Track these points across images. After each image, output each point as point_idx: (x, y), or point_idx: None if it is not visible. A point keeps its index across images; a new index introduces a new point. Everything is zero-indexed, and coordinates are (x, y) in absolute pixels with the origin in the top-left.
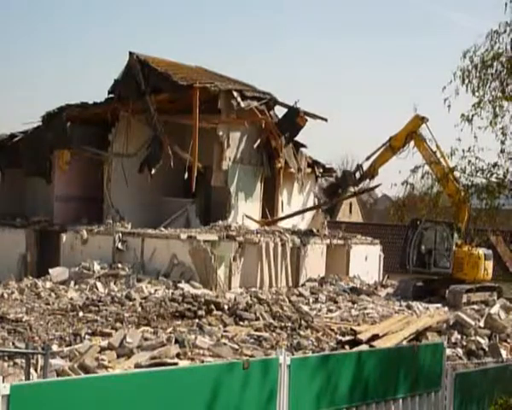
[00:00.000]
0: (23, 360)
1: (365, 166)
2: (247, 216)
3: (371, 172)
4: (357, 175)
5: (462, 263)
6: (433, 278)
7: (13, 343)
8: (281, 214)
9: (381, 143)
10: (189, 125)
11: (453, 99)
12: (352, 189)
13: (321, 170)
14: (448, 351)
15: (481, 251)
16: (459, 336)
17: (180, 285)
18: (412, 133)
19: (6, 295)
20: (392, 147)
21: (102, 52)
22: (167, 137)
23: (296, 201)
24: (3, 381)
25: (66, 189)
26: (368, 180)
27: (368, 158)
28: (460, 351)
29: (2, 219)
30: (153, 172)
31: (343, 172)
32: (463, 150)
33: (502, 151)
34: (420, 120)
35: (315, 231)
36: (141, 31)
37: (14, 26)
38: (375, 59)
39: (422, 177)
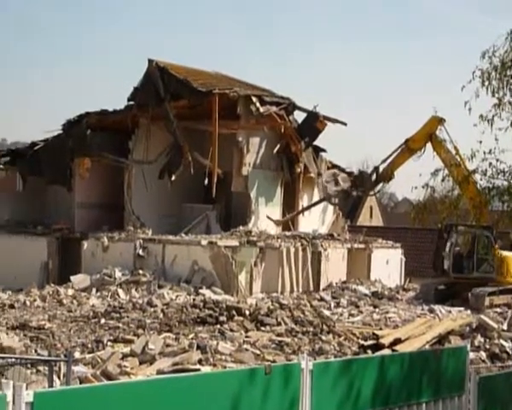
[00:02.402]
0: (46, 368)
1: (381, 169)
2: (268, 217)
3: (388, 175)
4: (373, 177)
5: (506, 267)
6: (455, 282)
7: (35, 351)
8: (301, 219)
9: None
10: (208, 132)
11: (473, 100)
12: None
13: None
14: (471, 354)
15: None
16: (482, 340)
17: (201, 291)
18: (430, 135)
19: (28, 303)
20: (410, 149)
21: (122, 60)
22: (187, 143)
23: (317, 205)
24: (27, 388)
25: (87, 196)
26: (384, 183)
27: (384, 161)
28: (483, 354)
29: (23, 227)
30: (173, 178)
31: (360, 172)
32: (484, 152)
33: None
34: (438, 121)
35: (336, 235)
36: (159, 37)
37: (35, 34)
38: (393, 60)
39: (443, 180)
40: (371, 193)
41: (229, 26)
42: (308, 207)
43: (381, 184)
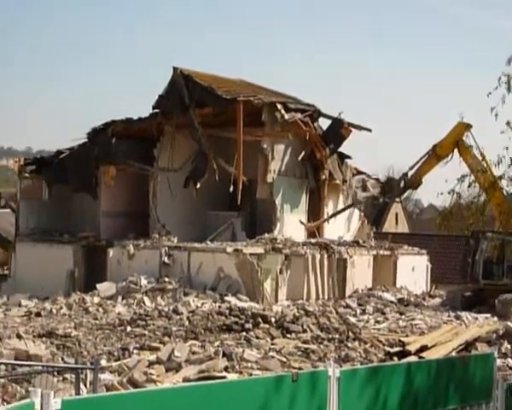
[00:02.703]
0: (73, 375)
1: (409, 175)
2: (300, 222)
3: (416, 181)
4: (402, 184)
5: None
6: (481, 288)
7: (62, 359)
8: (327, 226)
9: (425, 152)
10: (233, 139)
11: (499, 107)
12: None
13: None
14: (498, 361)
15: None
16: (509, 346)
17: (227, 298)
18: (457, 141)
19: (54, 311)
20: (438, 155)
21: (147, 68)
22: (212, 150)
23: (345, 211)
24: (54, 396)
25: (113, 204)
26: (412, 189)
27: (412, 167)
28: (510, 361)
29: (49, 235)
30: (198, 186)
31: (388, 179)
32: (511, 159)
33: None
34: (464, 127)
35: (361, 242)
36: (184, 45)
37: (60, 41)
38: (417, 68)
39: (469, 185)
40: (399, 200)
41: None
42: (337, 213)
43: (409, 191)
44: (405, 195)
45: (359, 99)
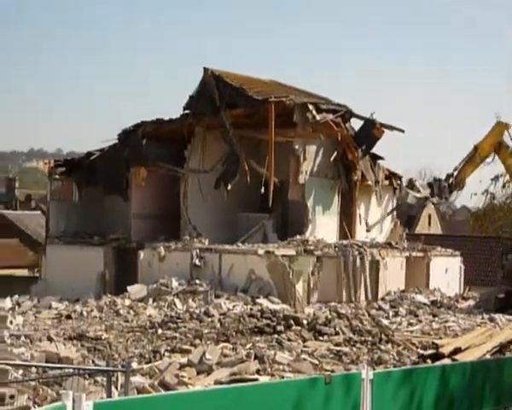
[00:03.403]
0: (104, 378)
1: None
2: (365, 222)
3: (460, 183)
4: (446, 185)
5: None
6: None
7: (93, 361)
8: (359, 228)
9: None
10: (264, 140)
11: None
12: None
13: (399, 182)
14: None
15: None
16: None
17: (258, 301)
18: (498, 141)
19: (85, 313)
20: (480, 156)
21: (177, 68)
22: (243, 152)
23: (374, 214)
24: (86, 399)
25: (143, 206)
26: (457, 191)
27: (456, 169)
28: None
29: (80, 237)
30: (229, 187)
31: (435, 179)
32: None
33: None
34: (503, 126)
35: (394, 243)
36: (214, 46)
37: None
38: (450, 70)
39: (503, 186)
40: (447, 202)
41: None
42: (390, 213)
43: (455, 193)
44: (452, 197)
45: (391, 101)
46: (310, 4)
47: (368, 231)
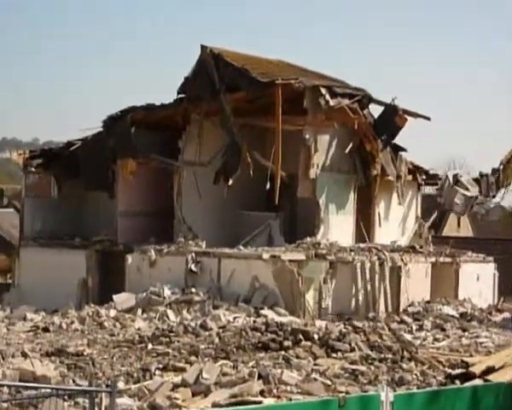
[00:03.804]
0: (86, 400)
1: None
2: (425, 222)
3: (509, 179)
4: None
5: None
6: None
7: (73, 381)
8: (378, 229)
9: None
10: (270, 128)
11: None
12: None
13: (424, 177)
14: None
15: None
16: None
17: (263, 312)
18: None
19: (65, 326)
20: None
21: (170, 46)
22: (246, 142)
23: (396, 213)
24: None
25: (132, 203)
26: (505, 189)
27: (502, 163)
28: None
29: (59, 239)
30: (230, 182)
31: (481, 175)
32: None
33: None
34: None
35: (418, 247)
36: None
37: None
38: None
39: None
40: (490, 200)
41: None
42: (434, 220)
43: (502, 190)
44: (500, 195)
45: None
46: None
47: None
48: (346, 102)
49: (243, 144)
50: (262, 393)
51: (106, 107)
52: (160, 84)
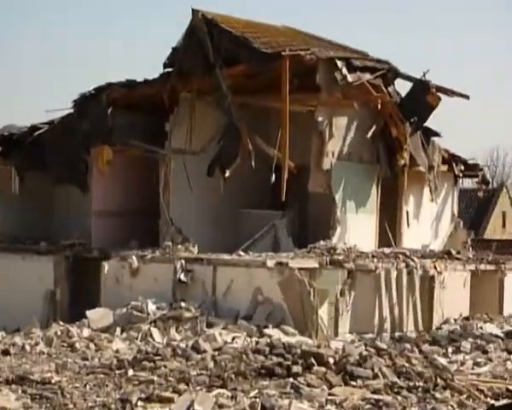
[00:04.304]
0: None
1: None
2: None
3: None
4: None
5: None
6: None
7: None
8: (406, 231)
9: None
10: (275, 109)
11: None
12: None
13: (462, 167)
14: None
15: None
16: None
17: (267, 331)
18: None
19: (28, 348)
20: None
21: (154, 10)
22: (246, 125)
23: (427, 211)
24: None
25: (109, 200)
26: None
27: None
28: None
29: (21, 242)
30: (227, 174)
31: None
32: None
33: None
34: None
35: (454, 252)
36: None
37: None
38: None
39: None
40: None
41: None
42: None
43: None
44: None
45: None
46: None
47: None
48: (368, 77)
49: (243, 128)
50: None
51: (79, 84)
52: (143, 56)
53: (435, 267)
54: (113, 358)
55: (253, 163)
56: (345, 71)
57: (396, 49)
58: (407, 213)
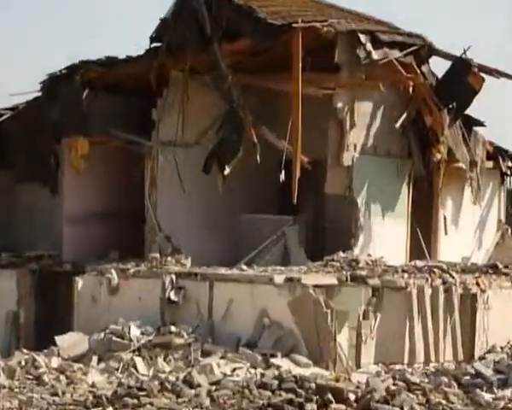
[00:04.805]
0: None
1: None
2: None
3: None
4: None
5: None
6: None
7: None
8: (443, 240)
9: None
10: (286, 93)
11: None
12: None
13: (510, 163)
14: None
15: None
16: None
17: (275, 361)
18: None
19: None
20: None
21: None
22: (250, 112)
23: (469, 216)
24: None
25: (83, 202)
26: None
27: None
28: None
29: None
30: (227, 171)
31: None
32: None
33: None
34: None
35: (501, 266)
36: None
37: None
38: None
39: None
40: None
41: None
42: None
43: None
44: None
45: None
46: None
47: None
48: (397, 54)
49: (246, 116)
50: None
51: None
52: (126, 29)
53: (478, 284)
54: (88, 393)
55: (258, 158)
56: (369, 47)
57: (430, 21)
58: (444, 218)
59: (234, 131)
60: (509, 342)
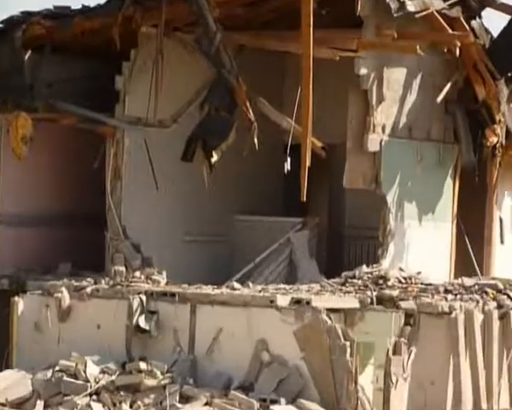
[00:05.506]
0: None
1: None
2: None
3: None
4: None
5: None
6: None
7: None
8: (498, 250)
9: None
10: (293, 56)
11: None
12: None
13: None
14: None
15: None
16: None
17: (277, 409)
18: None
19: None
20: None
21: None
22: (245, 81)
23: None
24: None
25: (26, 199)
26: None
27: None
28: None
29: None
30: (214, 158)
31: None
32: None
33: None
34: None
35: None
36: None
37: None
38: None
39: None
40: None
41: None
42: None
43: None
44: None
45: None
46: None
47: None
48: (440, 4)
49: (240, 86)
50: None
51: None
52: None
53: None
54: None
55: (255, 141)
56: None
57: None
58: (501, 221)
59: (223, 106)
60: None
